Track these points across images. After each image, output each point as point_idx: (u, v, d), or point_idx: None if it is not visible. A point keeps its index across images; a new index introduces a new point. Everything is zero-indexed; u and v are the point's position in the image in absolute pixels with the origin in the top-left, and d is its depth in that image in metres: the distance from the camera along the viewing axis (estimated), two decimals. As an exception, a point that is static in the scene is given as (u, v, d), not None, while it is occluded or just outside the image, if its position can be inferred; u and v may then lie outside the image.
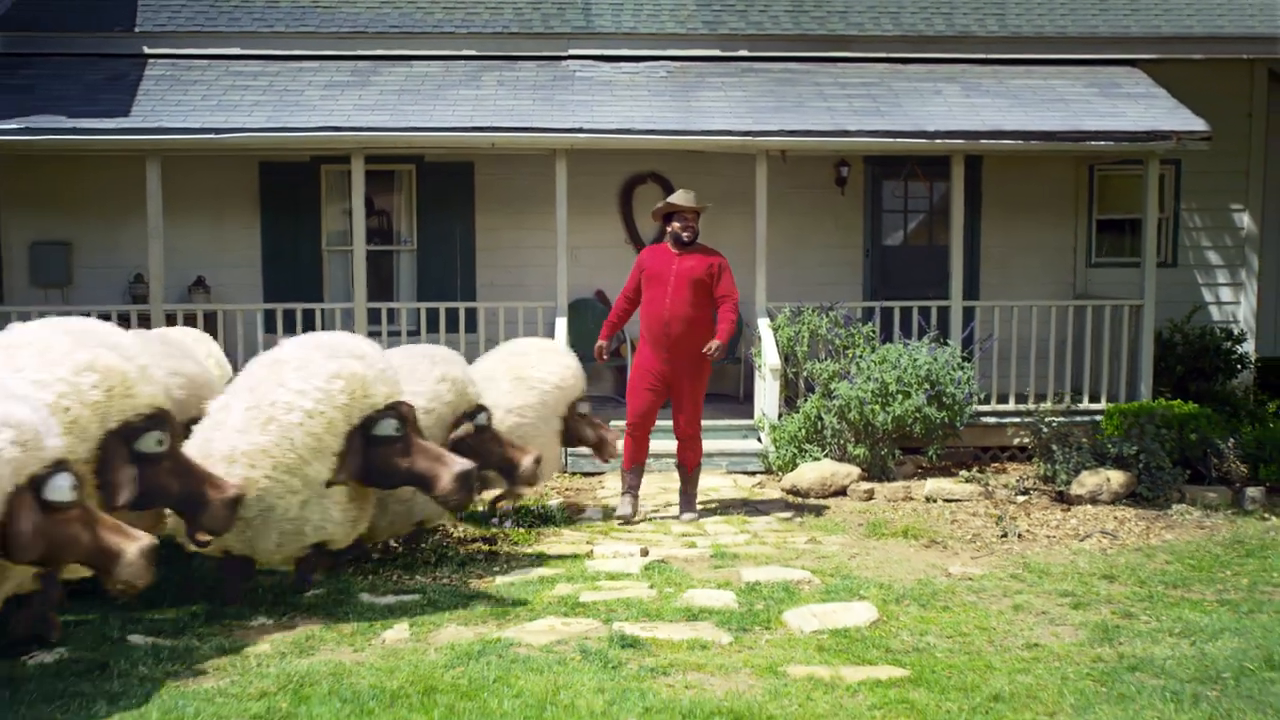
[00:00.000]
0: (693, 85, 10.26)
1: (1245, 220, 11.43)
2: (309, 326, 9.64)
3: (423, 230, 11.13)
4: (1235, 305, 11.54)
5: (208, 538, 5.02)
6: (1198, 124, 9.52)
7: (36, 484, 4.04)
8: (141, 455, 4.69)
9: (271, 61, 10.48)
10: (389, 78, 10.26)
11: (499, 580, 5.86)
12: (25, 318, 9.63)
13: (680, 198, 7.55)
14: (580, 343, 9.08)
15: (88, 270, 10.82)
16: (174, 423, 4.90)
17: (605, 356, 7.87)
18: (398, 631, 4.96)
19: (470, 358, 7.37)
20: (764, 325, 9.36)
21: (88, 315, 9.45)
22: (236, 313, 9.77)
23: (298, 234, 10.98)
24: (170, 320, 9.60)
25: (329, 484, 5.29)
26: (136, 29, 10.53)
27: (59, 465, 4.12)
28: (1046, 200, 11.40)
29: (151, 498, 4.76)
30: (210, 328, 9.81)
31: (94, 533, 4.18)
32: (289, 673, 4.38)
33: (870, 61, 10.77)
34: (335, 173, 10.90)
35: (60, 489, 4.09)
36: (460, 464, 5.44)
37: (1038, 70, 10.68)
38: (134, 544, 4.20)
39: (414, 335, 10.21)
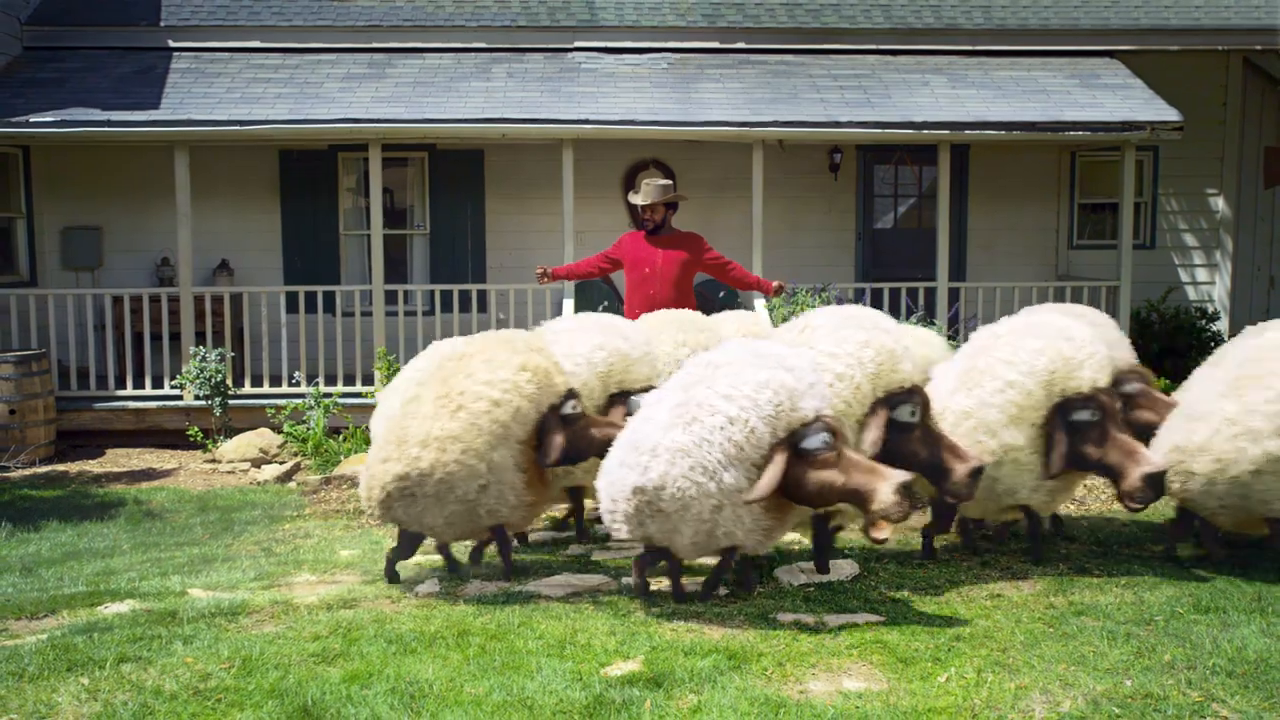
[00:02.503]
0: (693, 77, 10.77)
1: (1220, 204, 11.96)
2: (328, 307, 10.22)
3: (435, 214, 11.65)
4: (1210, 285, 12.08)
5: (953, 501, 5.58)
6: (1171, 114, 10.04)
7: (795, 438, 4.88)
8: (896, 423, 5.39)
9: (290, 54, 10.99)
10: (403, 70, 10.76)
11: (515, 542, 6.43)
12: (60, 299, 10.25)
13: (645, 195, 7.65)
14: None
15: (117, 254, 11.37)
16: (926, 398, 5.53)
17: (546, 280, 7.83)
18: (429, 586, 5.54)
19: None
20: (760, 305, 9.89)
21: (118, 297, 10.18)
22: (260, 294, 10.31)
23: (316, 218, 11.51)
24: (198, 301, 10.15)
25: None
26: (161, 23, 11.04)
27: (815, 423, 4.90)
28: (1030, 185, 11.92)
29: (902, 461, 5.36)
30: (235, 308, 10.38)
31: (848, 476, 4.91)
32: (337, 619, 4.96)
33: (862, 53, 11.28)
34: (352, 160, 11.42)
35: (810, 441, 4.89)
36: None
37: (1021, 62, 11.18)
38: (885, 482, 4.87)
39: (428, 315, 10.76)
